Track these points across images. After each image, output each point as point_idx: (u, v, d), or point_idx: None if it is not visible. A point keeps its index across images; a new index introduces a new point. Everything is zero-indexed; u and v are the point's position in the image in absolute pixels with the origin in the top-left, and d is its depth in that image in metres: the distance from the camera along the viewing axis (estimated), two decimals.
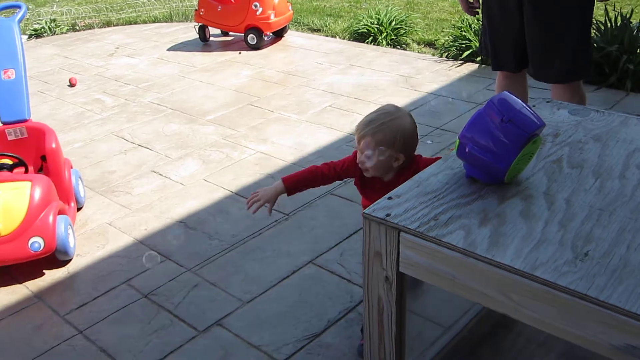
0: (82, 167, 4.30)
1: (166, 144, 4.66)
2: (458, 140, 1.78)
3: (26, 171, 3.56)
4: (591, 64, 3.25)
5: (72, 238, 3.35)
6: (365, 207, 2.32)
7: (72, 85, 6.15)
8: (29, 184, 3.31)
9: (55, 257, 3.28)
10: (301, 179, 2.46)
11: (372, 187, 2.39)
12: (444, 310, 2.72)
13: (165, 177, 4.17)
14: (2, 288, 3.17)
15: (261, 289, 2.99)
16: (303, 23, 7.79)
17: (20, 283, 3.20)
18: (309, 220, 3.51)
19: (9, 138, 3.77)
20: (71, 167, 3.85)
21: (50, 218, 3.23)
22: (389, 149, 2.24)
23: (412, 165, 2.33)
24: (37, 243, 3.17)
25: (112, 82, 6.17)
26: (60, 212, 3.36)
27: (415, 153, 2.37)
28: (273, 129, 4.78)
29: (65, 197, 3.60)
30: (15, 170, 3.54)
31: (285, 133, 4.68)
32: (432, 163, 2.14)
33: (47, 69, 6.70)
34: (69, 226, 3.35)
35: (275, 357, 2.58)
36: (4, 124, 3.77)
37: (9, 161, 3.56)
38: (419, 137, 2.34)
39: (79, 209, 3.80)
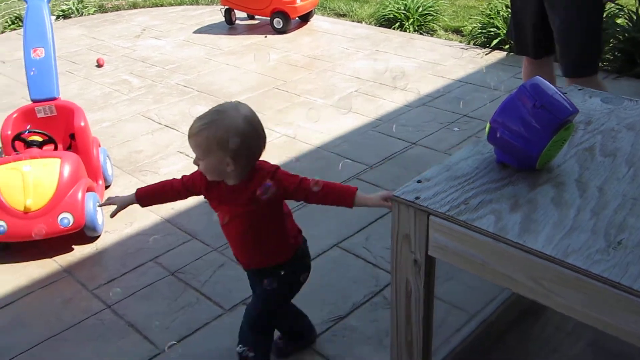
0: (109, 147, 4.35)
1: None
2: (489, 124, 1.77)
3: (55, 148, 3.61)
4: (598, 60, 3.22)
5: (100, 215, 3.40)
6: (221, 219, 2.17)
7: (99, 65, 6.21)
8: (58, 160, 3.36)
9: (84, 233, 3.33)
10: (152, 192, 2.32)
11: (219, 192, 2.12)
12: (469, 297, 2.72)
13: (191, 157, 4.17)
14: (32, 262, 3.23)
15: None
16: (329, 8, 7.77)
17: (50, 258, 3.26)
18: None
19: (39, 116, 3.83)
20: (99, 146, 3.90)
21: (79, 195, 3.28)
22: (218, 150, 1.97)
23: (256, 173, 2.06)
24: (66, 219, 3.23)
25: (139, 63, 6.21)
26: (89, 190, 3.41)
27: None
28: (299, 112, 4.79)
29: (94, 175, 3.65)
30: (45, 148, 3.59)
31: (310, 117, 4.69)
32: (290, 179, 2.06)
33: (75, 50, 6.75)
34: (97, 203, 3.40)
35: None
36: (34, 101, 3.83)
37: (38, 138, 3.61)
38: (265, 143, 2.08)
39: (106, 187, 3.86)
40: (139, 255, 3.23)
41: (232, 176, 2.05)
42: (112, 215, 2.38)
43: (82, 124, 3.69)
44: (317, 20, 7.30)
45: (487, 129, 1.79)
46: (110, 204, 2.37)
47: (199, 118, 2.02)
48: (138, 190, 2.34)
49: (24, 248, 3.30)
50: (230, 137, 1.95)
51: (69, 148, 3.77)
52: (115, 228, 3.46)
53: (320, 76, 5.53)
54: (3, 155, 3.94)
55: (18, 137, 3.56)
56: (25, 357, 2.65)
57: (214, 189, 2.13)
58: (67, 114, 3.78)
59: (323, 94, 5.13)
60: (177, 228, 3.44)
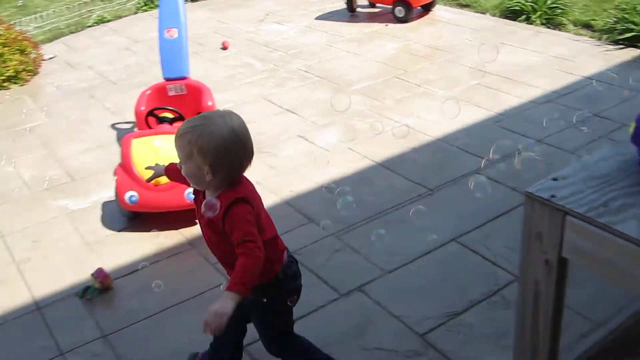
0: None
1: (313, 110, 4.77)
2: (634, 124, 1.68)
3: None
4: None
5: None
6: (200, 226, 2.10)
7: (224, 48, 6.42)
8: None
9: None
10: (174, 170, 2.26)
11: (197, 202, 2.07)
12: (593, 304, 2.62)
13: (310, 142, 4.27)
14: (160, 232, 3.41)
15: (403, 261, 3.02)
16: None
17: (176, 230, 3.43)
18: (454, 197, 3.48)
19: (170, 94, 4.02)
20: None
21: None
22: (198, 156, 1.89)
23: (228, 192, 1.95)
24: (192, 194, 3.37)
25: (262, 47, 6.37)
26: None
27: None
28: (419, 103, 4.75)
29: None
30: (175, 124, 3.76)
31: (430, 108, 4.64)
32: (234, 224, 1.87)
33: (202, 32, 7.01)
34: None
35: (414, 329, 2.61)
36: (166, 80, 4.02)
37: (169, 115, 3.79)
38: (250, 158, 1.98)
39: None
40: None
41: (211, 186, 1.98)
42: (149, 180, 2.53)
43: (210, 103, 3.84)
44: (439, 10, 7.18)
45: (631, 129, 1.70)
46: (151, 169, 2.49)
47: (188, 121, 1.98)
48: (169, 165, 2.39)
49: (152, 219, 3.48)
50: (211, 145, 1.88)
51: None
52: None
53: (441, 67, 5.45)
54: (136, 129, 4.17)
55: (151, 113, 3.75)
56: (150, 322, 2.82)
57: (196, 196, 2.11)
58: (196, 93, 3.94)
59: (444, 85, 5.05)
60: (295, 210, 3.51)
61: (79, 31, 7.73)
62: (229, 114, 1.97)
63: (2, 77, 5.92)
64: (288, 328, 2.28)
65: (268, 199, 3.62)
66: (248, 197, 1.96)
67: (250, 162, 2.00)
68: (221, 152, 1.89)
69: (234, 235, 1.92)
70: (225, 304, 1.80)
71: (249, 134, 1.98)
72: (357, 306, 2.76)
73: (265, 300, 2.10)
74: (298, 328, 2.64)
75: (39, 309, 3.00)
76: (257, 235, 1.93)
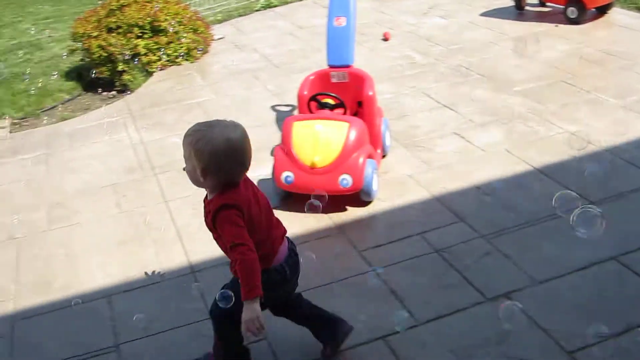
0: (389, 118, 4.50)
1: (471, 108, 4.66)
2: None
3: (345, 113, 3.82)
4: None
5: (376, 182, 3.56)
6: None
7: (385, 39, 6.43)
8: (347, 124, 3.57)
9: (359, 197, 3.51)
10: None
11: (204, 202, 2.29)
12: None
13: (467, 140, 4.19)
14: (310, 215, 3.49)
15: (556, 273, 2.89)
16: (631, 0, 7.12)
17: (326, 214, 3.50)
18: (618, 213, 3.26)
19: (332, 80, 4.08)
20: (382, 116, 4.05)
21: (361, 160, 3.46)
22: (194, 159, 2.10)
23: (220, 196, 2.13)
24: (345, 180, 3.43)
25: (423, 40, 6.31)
26: (369, 156, 3.58)
27: None
28: (586, 110, 4.50)
29: (375, 142, 3.81)
30: (335, 111, 3.82)
31: (599, 116, 4.37)
32: (223, 227, 2.07)
33: (364, 22, 7.04)
34: (375, 170, 3.55)
35: (562, 345, 2.49)
36: (330, 66, 4.08)
37: (331, 101, 3.85)
38: (243, 169, 2.15)
39: (383, 157, 4.01)
40: (406, 227, 3.32)
41: (206, 187, 2.19)
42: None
43: (371, 93, 3.86)
44: (616, 13, 6.73)
45: None
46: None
47: (196, 124, 2.17)
48: None
49: (304, 201, 3.57)
50: (205, 151, 2.07)
51: (355, 114, 3.97)
52: (387, 197, 3.60)
53: (614, 74, 5.12)
54: (296, 112, 4.29)
55: (314, 97, 3.84)
56: (313, 294, 2.87)
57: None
58: (358, 81, 3.97)
59: (616, 93, 4.74)
60: (445, 207, 3.46)
61: (247, 14, 8.08)
62: (232, 126, 2.15)
63: (175, 54, 6.34)
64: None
65: (417, 194, 3.60)
66: (237, 203, 2.12)
67: (243, 172, 2.17)
68: (213, 159, 2.08)
69: (224, 239, 2.13)
70: (250, 310, 2.06)
71: (247, 146, 2.15)
72: (502, 312, 2.67)
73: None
74: (436, 327, 2.62)
75: (193, 272, 3.20)
76: (247, 237, 2.11)
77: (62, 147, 4.90)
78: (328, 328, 2.52)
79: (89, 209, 3.94)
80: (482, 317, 2.69)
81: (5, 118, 5.69)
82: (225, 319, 2.34)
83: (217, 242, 2.28)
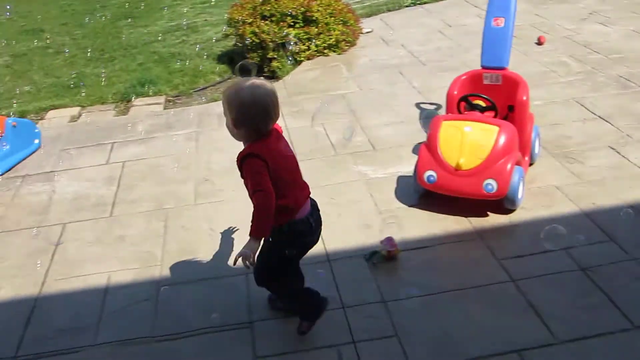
0: (538, 126, 4.32)
1: (629, 122, 4.38)
2: None
3: (495, 116, 3.71)
4: None
5: (521, 190, 3.43)
6: None
7: (539, 43, 6.18)
8: (497, 128, 3.46)
9: (502, 203, 3.41)
10: None
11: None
12: None
13: (622, 156, 3.94)
14: (449, 216, 3.45)
15: None
16: None
17: (465, 217, 3.43)
18: None
19: (484, 82, 3.96)
20: (533, 123, 3.89)
21: (508, 166, 3.35)
22: (228, 112, 2.40)
23: (255, 143, 2.40)
24: (490, 185, 3.33)
25: (580, 47, 5.99)
26: (517, 163, 3.45)
27: None
28: None
29: (523, 149, 3.67)
30: (486, 114, 3.72)
31: None
32: (248, 173, 2.35)
33: (518, 24, 6.72)
34: (522, 178, 3.43)
35: None
36: (483, 67, 3.97)
37: (482, 103, 3.75)
38: (270, 120, 2.39)
39: (530, 165, 3.86)
40: (553, 239, 3.17)
41: (241, 139, 2.46)
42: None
43: (524, 98, 3.72)
44: None
45: None
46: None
47: (233, 83, 2.47)
48: None
49: (444, 201, 3.52)
50: (234, 104, 2.37)
51: (504, 118, 3.85)
52: (532, 207, 3.46)
53: None
54: (442, 111, 4.23)
55: (464, 98, 3.76)
56: (429, 299, 2.86)
57: None
58: (511, 85, 3.84)
59: None
60: (595, 224, 3.28)
61: (396, 10, 8.05)
62: (260, 85, 2.40)
63: (324, 45, 6.44)
64: (278, 273, 2.66)
65: (564, 207, 3.44)
66: (261, 153, 2.37)
67: (269, 121, 2.41)
68: (240, 110, 2.37)
69: (248, 185, 2.40)
70: (250, 246, 2.34)
71: (272, 102, 2.39)
72: None
73: (270, 239, 2.50)
74: (577, 347, 2.49)
75: (329, 261, 3.24)
76: (268, 185, 2.35)
77: (211, 127, 5.12)
78: (314, 306, 2.70)
79: (233, 187, 4.09)
80: (626, 343, 2.52)
81: (161, 95, 6.06)
82: (270, 278, 2.68)
83: (246, 187, 2.49)
